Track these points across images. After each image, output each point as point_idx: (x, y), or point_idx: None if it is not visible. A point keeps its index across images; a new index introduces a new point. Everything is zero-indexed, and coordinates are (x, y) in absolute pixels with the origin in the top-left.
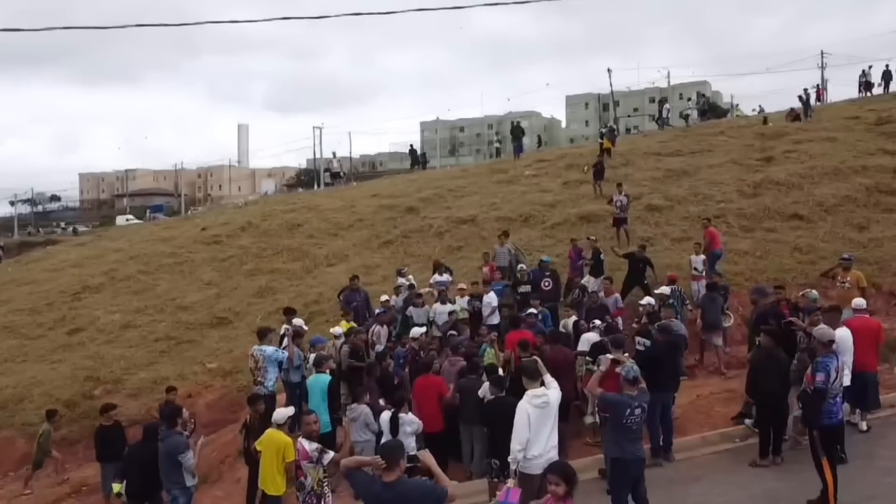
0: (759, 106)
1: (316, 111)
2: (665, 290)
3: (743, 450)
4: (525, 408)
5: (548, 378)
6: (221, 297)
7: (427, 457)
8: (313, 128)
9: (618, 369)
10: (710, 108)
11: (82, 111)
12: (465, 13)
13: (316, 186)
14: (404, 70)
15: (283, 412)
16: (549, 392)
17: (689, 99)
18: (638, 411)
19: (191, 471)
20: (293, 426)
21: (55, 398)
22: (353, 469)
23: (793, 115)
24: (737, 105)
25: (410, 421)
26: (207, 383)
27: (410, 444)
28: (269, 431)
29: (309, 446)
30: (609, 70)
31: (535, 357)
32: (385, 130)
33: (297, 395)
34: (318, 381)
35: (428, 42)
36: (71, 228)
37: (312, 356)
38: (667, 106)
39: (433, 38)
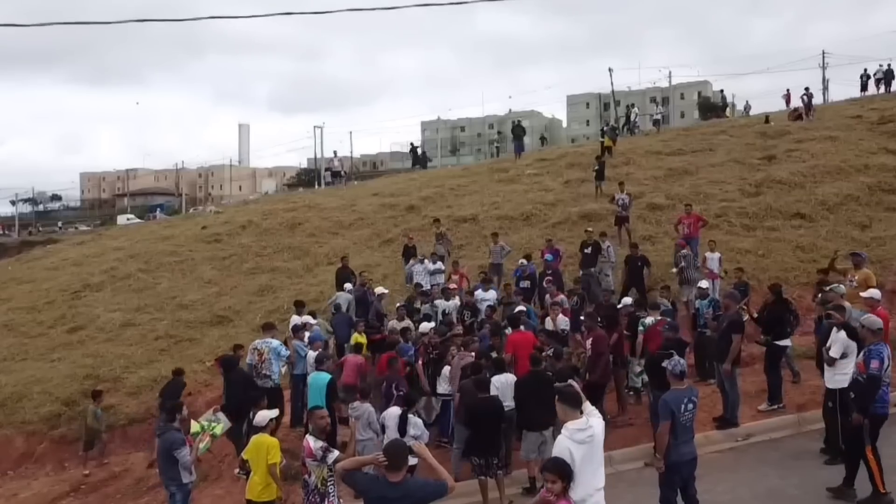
0: (747, 102)
1: (319, 111)
2: (704, 283)
3: (745, 448)
4: (566, 445)
5: (588, 406)
6: (222, 296)
7: (422, 449)
8: (314, 127)
9: (664, 364)
10: (710, 108)
11: (85, 111)
12: (468, 14)
13: (317, 185)
14: (406, 70)
15: (264, 415)
16: (594, 422)
17: (658, 103)
18: (690, 406)
19: (187, 467)
20: (295, 422)
21: (55, 397)
22: (352, 470)
23: (795, 114)
24: (733, 104)
25: (415, 424)
26: (207, 381)
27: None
28: (255, 438)
29: (314, 444)
30: (610, 70)
31: (572, 383)
32: (386, 130)
33: (302, 389)
34: (318, 380)
35: (429, 42)
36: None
37: (312, 353)
38: (635, 110)
39: (435, 38)
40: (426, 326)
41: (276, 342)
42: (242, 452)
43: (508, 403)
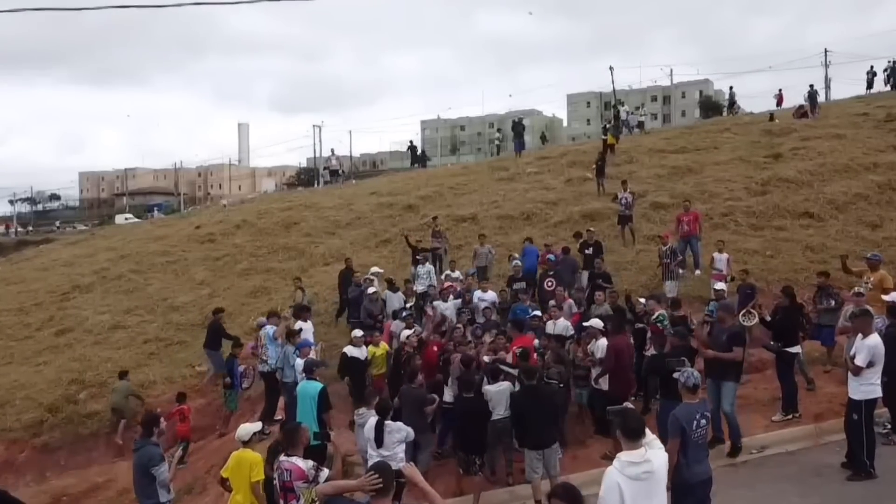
0: (735, 102)
1: (320, 111)
2: (721, 286)
3: (761, 461)
4: (615, 479)
5: (650, 436)
6: (214, 297)
7: (412, 471)
8: (313, 126)
9: (676, 375)
10: (712, 107)
11: (86, 111)
12: (468, 13)
13: (315, 184)
14: (407, 70)
15: (247, 428)
16: (652, 455)
17: (642, 105)
18: (703, 422)
19: (165, 485)
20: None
21: (38, 403)
22: (333, 496)
23: (800, 111)
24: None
25: (398, 428)
26: (196, 387)
27: (399, 453)
28: (236, 454)
29: (304, 465)
30: (611, 68)
31: (626, 404)
32: (387, 129)
33: (294, 398)
34: (309, 389)
35: (430, 42)
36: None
37: (300, 361)
38: (625, 108)
39: (435, 38)
40: (405, 333)
41: (272, 328)
42: (222, 470)
43: (500, 413)
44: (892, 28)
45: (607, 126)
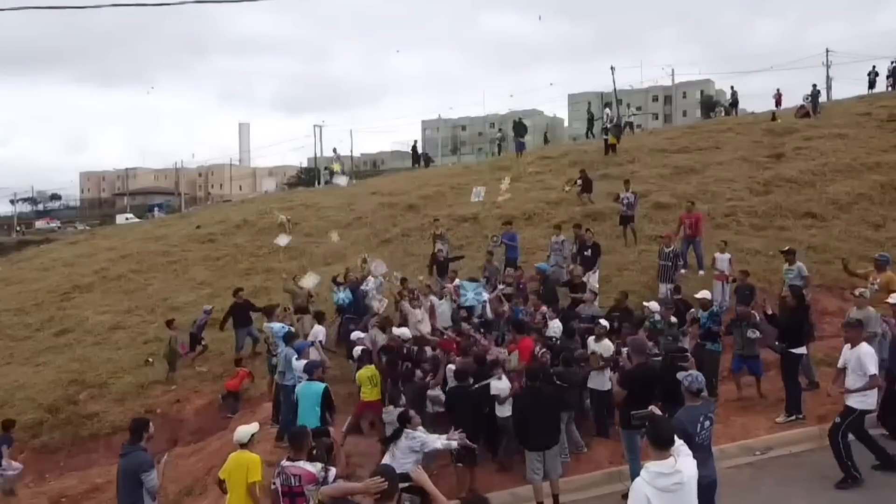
0: (727, 102)
1: (322, 111)
2: (706, 293)
3: (765, 464)
4: (643, 492)
5: (678, 444)
6: (214, 298)
7: (422, 476)
8: (314, 126)
9: (680, 376)
10: (713, 107)
11: (89, 111)
12: (472, 15)
13: (316, 184)
14: (409, 70)
15: (245, 430)
16: (683, 465)
17: (631, 106)
18: (707, 423)
19: (153, 493)
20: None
21: (38, 403)
22: (337, 498)
23: (802, 111)
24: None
25: (412, 437)
26: (196, 388)
27: (409, 462)
28: (234, 455)
29: (313, 467)
30: (612, 68)
31: (652, 409)
32: (388, 129)
33: (293, 401)
34: (311, 390)
35: (432, 42)
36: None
37: (301, 362)
38: (607, 111)
39: (438, 38)
40: (405, 332)
41: (277, 325)
42: (220, 472)
43: (508, 411)
44: (893, 28)
45: (608, 127)
